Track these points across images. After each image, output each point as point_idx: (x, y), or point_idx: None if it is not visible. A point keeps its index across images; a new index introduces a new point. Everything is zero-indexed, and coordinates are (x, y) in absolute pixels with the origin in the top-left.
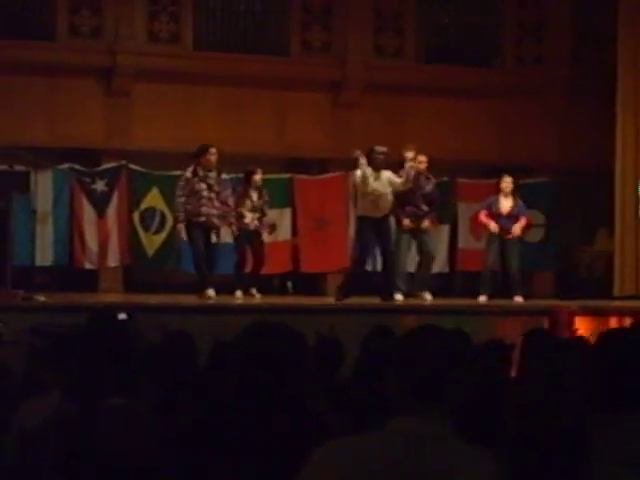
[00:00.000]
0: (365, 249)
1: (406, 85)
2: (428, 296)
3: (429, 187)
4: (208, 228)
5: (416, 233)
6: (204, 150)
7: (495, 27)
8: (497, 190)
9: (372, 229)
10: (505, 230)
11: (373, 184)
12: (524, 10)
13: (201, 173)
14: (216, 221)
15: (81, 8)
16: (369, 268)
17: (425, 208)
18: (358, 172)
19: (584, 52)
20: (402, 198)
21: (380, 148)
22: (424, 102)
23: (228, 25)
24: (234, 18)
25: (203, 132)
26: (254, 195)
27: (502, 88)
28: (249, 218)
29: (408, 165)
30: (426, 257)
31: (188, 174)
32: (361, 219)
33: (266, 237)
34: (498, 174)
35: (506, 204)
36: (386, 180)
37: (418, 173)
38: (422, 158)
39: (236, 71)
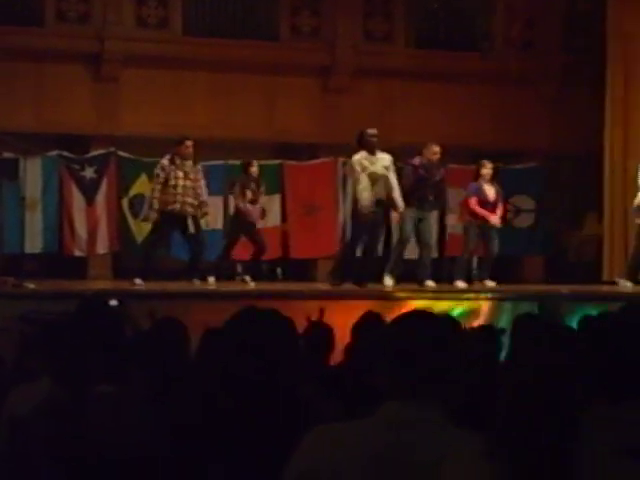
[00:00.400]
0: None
1: (395, 70)
2: (430, 283)
3: (438, 177)
4: (183, 217)
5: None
6: (180, 141)
7: (485, 12)
8: (477, 176)
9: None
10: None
11: (370, 167)
12: None
13: (177, 161)
14: (190, 209)
15: None
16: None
17: (431, 198)
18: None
19: (574, 38)
20: (410, 186)
21: (371, 130)
22: (413, 87)
23: (217, 10)
24: (223, 3)
25: (192, 117)
26: (253, 186)
27: (492, 73)
28: (249, 209)
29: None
30: (424, 247)
31: (165, 162)
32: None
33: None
34: (488, 159)
35: (490, 190)
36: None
37: (431, 163)
38: (436, 149)
39: (225, 56)
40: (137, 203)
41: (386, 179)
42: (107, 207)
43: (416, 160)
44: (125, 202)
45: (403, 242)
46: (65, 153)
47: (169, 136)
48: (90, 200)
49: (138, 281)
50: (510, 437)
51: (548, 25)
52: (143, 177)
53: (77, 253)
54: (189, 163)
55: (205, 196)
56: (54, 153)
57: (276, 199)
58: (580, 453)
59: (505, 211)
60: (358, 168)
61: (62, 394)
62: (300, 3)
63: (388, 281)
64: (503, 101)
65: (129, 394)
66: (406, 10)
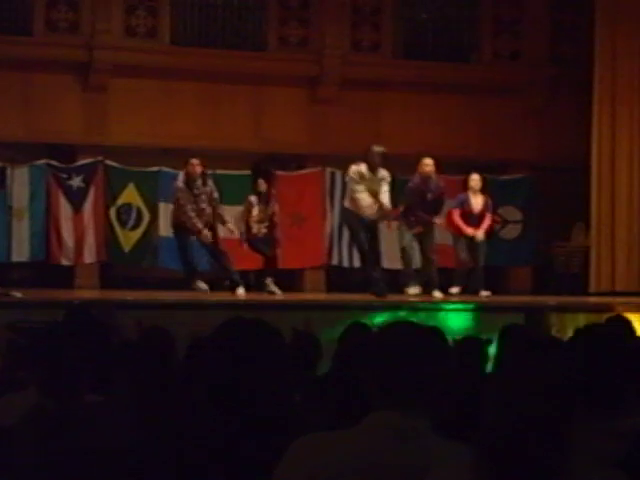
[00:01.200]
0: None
1: (383, 80)
2: (438, 294)
3: (436, 191)
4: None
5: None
6: (186, 162)
7: (472, 23)
8: (465, 188)
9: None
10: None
11: (369, 183)
12: (501, 6)
13: (189, 182)
14: (200, 226)
15: (58, 3)
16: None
17: (425, 216)
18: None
19: (562, 49)
20: (410, 202)
21: (378, 148)
22: (401, 98)
23: (205, 20)
24: (211, 13)
25: (180, 127)
26: (261, 205)
27: (479, 84)
28: (255, 229)
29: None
30: (425, 259)
31: (180, 184)
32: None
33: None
34: (475, 170)
35: (477, 202)
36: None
37: (427, 177)
38: (427, 161)
39: (213, 66)
40: (125, 212)
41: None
42: (94, 216)
43: (413, 180)
44: (112, 211)
45: (406, 251)
46: (53, 162)
47: (157, 146)
48: (77, 209)
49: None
50: (495, 450)
51: (535, 36)
52: (131, 186)
53: (64, 262)
54: (198, 184)
55: (221, 209)
56: (42, 162)
57: None
58: (565, 465)
59: (492, 223)
60: (357, 177)
61: (49, 404)
62: (288, 14)
63: (413, 290)
64: (490, 112)
65: (116, 404)
66: (394, 21)
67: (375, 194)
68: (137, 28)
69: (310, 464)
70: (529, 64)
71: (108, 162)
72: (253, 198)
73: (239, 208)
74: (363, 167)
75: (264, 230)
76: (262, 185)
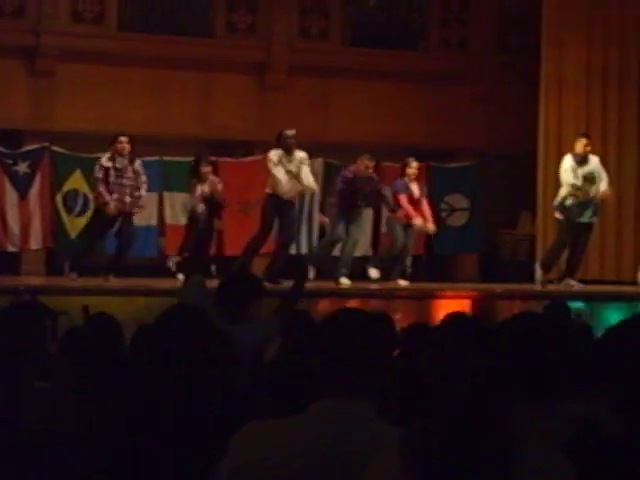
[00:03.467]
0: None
1: (331, 68)
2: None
3: (369, 188)
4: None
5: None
6: (114, 139)
7: (421, 10)
8: (402, 174)
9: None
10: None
11: (287, 165)
12: None
13: (115, 159)
14: (126, 208)
15: None
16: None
17: (361, 205)
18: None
19: (509, 37)
20: (341, 195)
21: (290, 131)
22: (350, 85)
23: (153, 6)
24: None
25: (128, 113)
26: (205, 186)
27: (428, 71)
28: (200, 208)
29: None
30: (353, 244)
31: (103, 159)
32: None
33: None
34: (423, 157)
35: (415, 189)
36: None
37: (362, 175)
38: (368, 163)
39: (161, 52)
40: (71, 198)
41: (299, 177)
42: (40, 202)
43: (349, 171)
44: (59, 197)
45: (333, 242)
46: None
47: (104, 132)
48: (23, 195)
49: (74, 275)
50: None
51: (483, 24)
52: (77, 173)
53: (10, 248)
54: (124, 161)
55: (143, 192)
56: None
57: None
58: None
59: (433, 210)
60: (275, 159)
61: None
62: (236, 0)
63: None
64: (438, 99)
65: (63, 390)
66: (342, 7)
67: (295, 176)
68: (84, 13)
69: (259, 450)
70: (477, 52)
71: (55, 148)
72: (194, 180)
73: (181, 194)
74: (280, 152)
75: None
76: (205, 167)
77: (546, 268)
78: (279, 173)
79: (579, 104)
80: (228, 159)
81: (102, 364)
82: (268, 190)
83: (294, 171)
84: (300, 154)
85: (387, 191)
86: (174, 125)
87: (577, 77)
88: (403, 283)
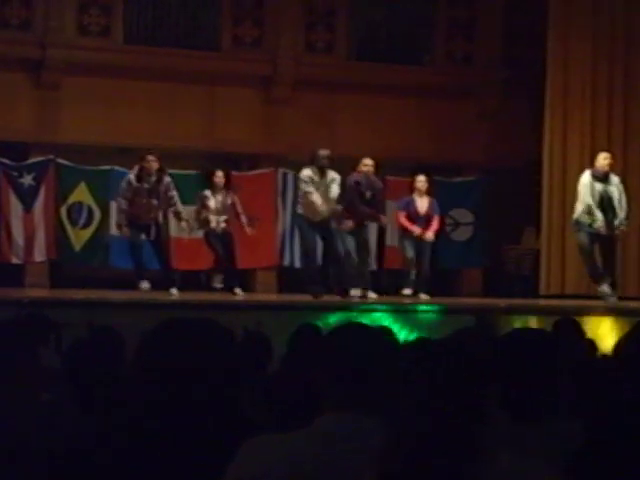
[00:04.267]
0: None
1: (337, 82)
2: (372, 294)
3: (371, 192)
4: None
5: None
6: (142, 157)
7: (426, 25)
8: (412, 190)
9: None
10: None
11: (318, 184)
12: (455, 8)
13: (142, 177)
14: (123, 222)
15: (10, 0)
16: (297, 265)
17: (367, 210)
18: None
19: (514, 52)
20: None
21: (324, 152)
22: (355, 99)
23: (159, 19)
24: (165, 12)
25: (133, 126)
26: (218, 197)
27: (433, 87)
28: (214, 222)
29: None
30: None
31: (131, 177)
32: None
33: (249, 232)
34: (428, 172)
35: (422, 204)
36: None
37: (366, 176)
38: (366, 161)
39: (166, 65)
40: (75, 211)
41: (326, 196)
42: (45, 215)
43: (353, 176)
44: (63, 210)
45: (348, 255)
46: (4, 160)
47: (109, 145)
48: (28, 207)
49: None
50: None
51: (488, 39)
52: (82, 185)
53: (14, 260)
54: (152, 179)
55: (180, 207)
56: None
57: None
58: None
59: (440, 225)
60: (306, 179)
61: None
62: (242, 13)
63: (371, 294)
64: (443, 114)
65: (66, 403)
66: (348, 22)
67: (325, 196)
68: (90, 27)
69: (261, 466)
70: (482, 67)
71: (59, 160)
72: (207, 192)
73: (191, 207)
74: (311, 171)
75: (223, 225)
76: (219, 177)
77: (596, 281)
78: (313, 196)
79: (584, 119)
80: (233, 172)
81: (104, 377)
82: (300, 211)
83: (322, 190)
84: (332, 174)
85: (390, 204)
86: (179, 138)
87: (582, 92)
88: (407, 291)
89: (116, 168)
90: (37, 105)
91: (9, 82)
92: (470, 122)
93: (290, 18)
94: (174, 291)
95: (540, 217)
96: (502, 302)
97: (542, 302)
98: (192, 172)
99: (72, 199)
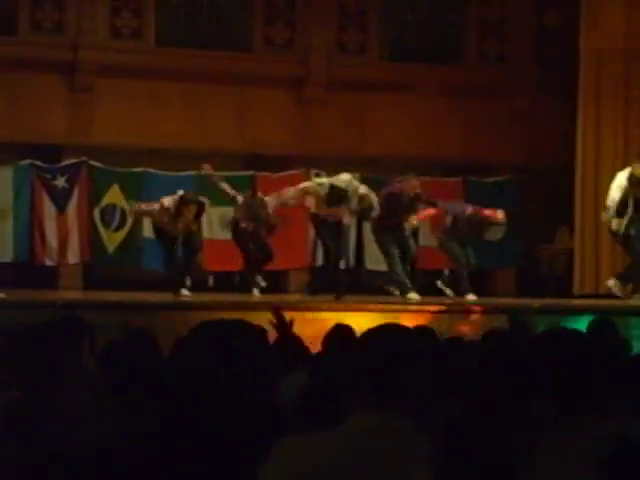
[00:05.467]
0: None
1: (369, 82)
2: (415, 296)
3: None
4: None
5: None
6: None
7: (458, 25)
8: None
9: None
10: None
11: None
12: (487, 8)
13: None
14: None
15: (43, 3)
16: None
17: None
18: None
19: (547, 51)
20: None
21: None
22: (387, 99)
23: (190, 21)
24: (197, 14)
25: (165, 128)
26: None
27: (465, 86)
28: (245, 223)
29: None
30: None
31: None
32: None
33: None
34: (461, 172)
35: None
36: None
37: (407, 195)
38: (414, 183)
39: (199, 67)
40: (109, 213)
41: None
42: (78, 217)
43: (395, 187)
44: (97, 212)
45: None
46: (37, 162)
47: (142, 146)
48: (61, 209)
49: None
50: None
51: (521, 38)
52: (115, 187)
53: (48, 262)
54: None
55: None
56: (26, 162)
57: None
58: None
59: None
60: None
61: (31, 404)
62: (274, 14)
63: (414, 296)
64: (475, 114)
65: (100, 405)
66: (380, 22)
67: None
68: (122, 29)
69: (295, 465)
70: (514, 66)
71: (92, 162)
72: (239, 197)
73: (222, 209)
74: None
75: (253, 224)
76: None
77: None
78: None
79: (617, 118)
80: (265, 173)
81: (138, 379)
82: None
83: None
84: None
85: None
86: (211, 139)
87: (615, 90)
88: (472, 297)
89: (149, 170)
90: (70, 107)
91: (42, 85)
92: (502, 121)
93: (322, 19)
94: (185, 292)
95: (573, 216)
96: (536, 302)
97: (576, 302)
98: (221, 173)
99: (105, 201)
